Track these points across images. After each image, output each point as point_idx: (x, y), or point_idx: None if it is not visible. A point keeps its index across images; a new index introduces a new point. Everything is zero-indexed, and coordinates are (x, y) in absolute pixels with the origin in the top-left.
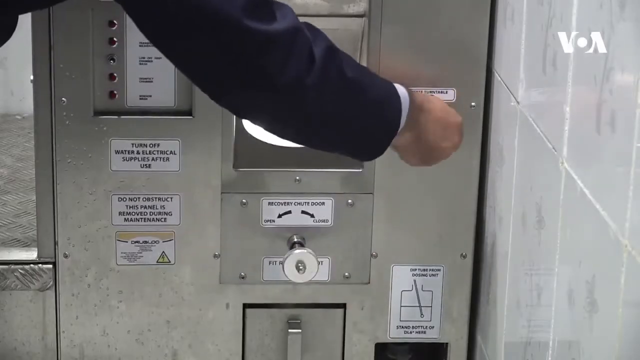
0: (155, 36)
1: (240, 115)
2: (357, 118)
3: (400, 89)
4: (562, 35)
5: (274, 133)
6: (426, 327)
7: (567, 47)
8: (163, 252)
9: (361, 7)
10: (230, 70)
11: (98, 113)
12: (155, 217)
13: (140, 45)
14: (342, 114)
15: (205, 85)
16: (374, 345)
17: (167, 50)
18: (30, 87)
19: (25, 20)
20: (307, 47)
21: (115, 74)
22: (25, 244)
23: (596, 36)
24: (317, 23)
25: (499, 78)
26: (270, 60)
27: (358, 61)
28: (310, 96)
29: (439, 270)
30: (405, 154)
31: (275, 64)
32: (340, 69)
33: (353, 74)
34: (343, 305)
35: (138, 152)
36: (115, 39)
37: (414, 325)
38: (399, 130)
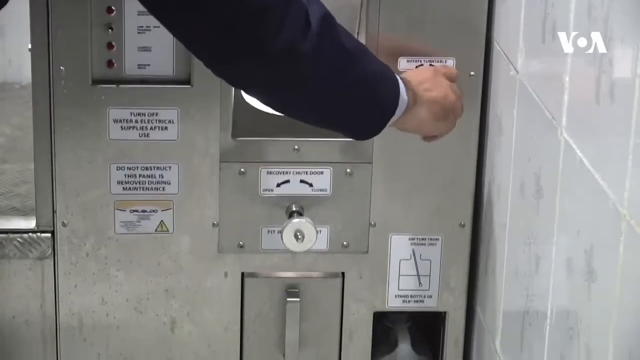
0: (152, 5)
1: (238, 85)
2: (354, 90)
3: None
4: (561, 5)
5: (270, 105)
6: (424, 296)
7: (567, 16)
8: (161, 221)
9: None
10: (225, 38)
11: (96, 82)
12: (153, 186)
13: (138, 14)
14: (338, 85)
15: (201, 55)
16: (372, 314)
17: (163, 19)
18: (28, 56)
19: None
20: (303, 13)
21: (113, 43)
22: (23, 213)
23: (596, 4)
24: None
25: (498, 47)
26: (265, 26)
27: (357, 31)
28: (306, 63)
29: (437, 239)
30: (428, 127)
31: (269, 31)
32: (336, 37)
33: (350, 44)
34: (341, 275)
35: (136, 121)
36: (113, 7)
37: (412, 295)
38: (399, 112)
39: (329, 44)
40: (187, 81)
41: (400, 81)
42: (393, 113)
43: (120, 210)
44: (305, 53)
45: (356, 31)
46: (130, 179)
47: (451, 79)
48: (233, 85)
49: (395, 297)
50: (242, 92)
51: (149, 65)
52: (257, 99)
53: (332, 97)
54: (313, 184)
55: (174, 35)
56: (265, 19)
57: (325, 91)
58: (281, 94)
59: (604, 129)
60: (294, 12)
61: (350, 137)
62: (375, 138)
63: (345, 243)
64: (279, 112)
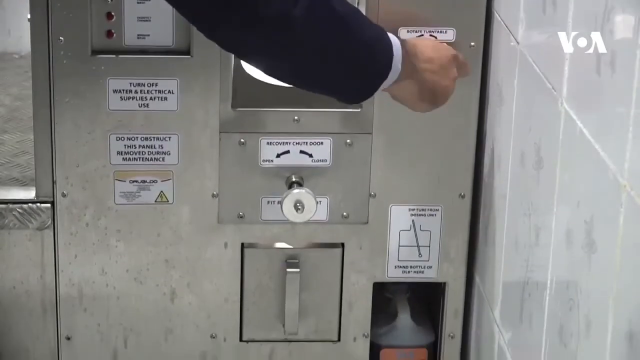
0: None
1: (230, 50)
2: (346, 55)
3: (393, 38)
4: None
5: (263, 70)
6: (424, 266)
7: None
8: (161, 191)
9: None
10: (217, 4)
11: (96, 52)
12: (153, 156)
13: None
14: (330, 48)
15: (194, 20)
16: (372, 285)
17: None
18: (27, 26)
19: None
20: None
21: (112, 13)
22: (23, 183)
23: None
24: None
25: (499, 18)
26: None
27: (357, 1)
28: (297, 28)
29: (437, 210)
30: (411, 102)
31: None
32: (328, 2)
33: (343, 9)
34: (341, 245)
35: (136, 92)
36: None
37: (412, 265)
38: (394, 78)
39: (320, 9)
40: (187, 51)
41: (398, 48)
42: (384, 79)
43: (120, 180)
44: (297, 18)
45: (356, 1)
46: (130, 150)
47: (461, 72)
48: (226, 50)
49: (395, 267)
50: (242, 63)
51: (148, 35)
52: (248, 63)
53: (323, 62)
54: (313, 155)
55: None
56: None
57: (316, 56)
58: (272, 59)
59: (605, 100)
60: None
61: (341, 101)
62: (375, 108)
63: (345, 214)
64: (269, 75)
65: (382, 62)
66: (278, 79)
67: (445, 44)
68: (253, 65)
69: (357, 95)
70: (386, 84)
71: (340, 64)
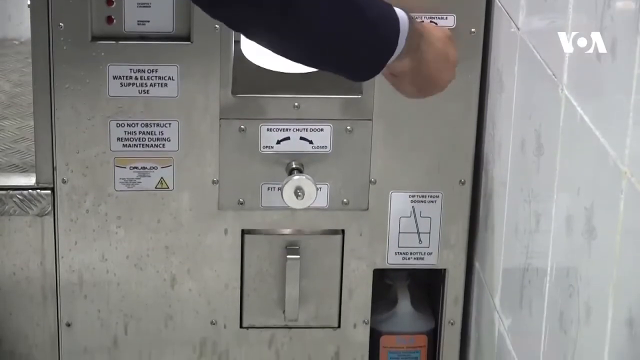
0: None
1: (233, 27)
2: (352, 33)
3: (401, 13)
4: None
5: (269, 48)
6: (424, 253)
7: None
8: (161, 178)
9: None
10: None
11: (96, 38)
12: (153, 143)
13: None
14: (336, 27)
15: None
16: (372, 272)
17: None
18: (27, 12)
19: None
20: None
21: None
22: (23, 170)
23: None
24: None
25: (499, 4)
26: None
27: None
28: (304, 6)
29: (437, 196)
30: (403, 82)
31: None
32: None
33: None
34: (341, 232)
35: (136, 78)
36: None
37: (412, 252)
38: (398, 53)
39: None
40: (187, 37)
41: (405, 24)
42: (391, 55)
43: (120, 167)
44: None
45: None
46: (130, 136)
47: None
48: (232, 28)
49: (395, 254)
50: (242, 49)
51: (148, 21)
52: (256, 42)
53: (330, 39)
54: (313, 141)
55: None
56: None
57: (323, 33)
58: (279, 36)
59: (605, 86)
60: None
61: (348, 78)
62: (376, 95)
63: (345, 200)
64: (276, 53)
65: (389, 38)
66: (284, 56)
67: (423, 21)
68: (259, 42)
69: (365, 72)
70: (391, 60)
71: (348, 40)
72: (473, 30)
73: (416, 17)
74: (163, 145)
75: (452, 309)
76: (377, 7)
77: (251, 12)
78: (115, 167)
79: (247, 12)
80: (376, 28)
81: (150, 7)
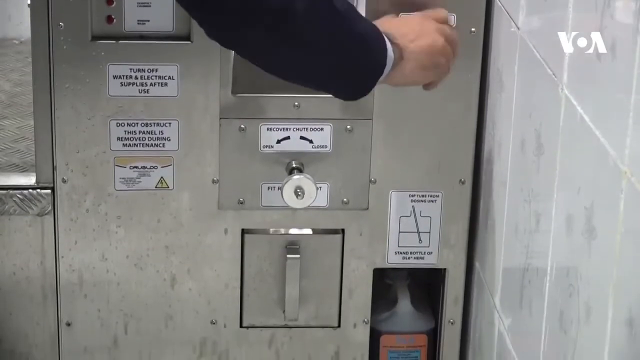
0: None
1: (228, 45)
2: (343, 51)
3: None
4: None
5: (261, 67)
6: (424, 252)
7: None
8: (161, 177)
9: None
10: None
11: (96, 38)
12: (153, 142)
13: None
14: (328, 45)
15: (197, 15)
16: (372, 271)
17: None
18: (27, 12)
19: None
20: None
21: None
22: (23, 169)
23: None
24: None
25: (499, 3)
26: None
27: None
28: (299, 23)
29: (437, 196)
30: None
31: None
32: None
33: (341, 5)
34: (341, 231)
35: (136, 77)
36: None
37: (412, 251)
38: (387, 71)
39: (321, 3)
40: (187, 37)
41: (386, 40)
42: (381, 73)
43: (120, 166)
44: (299, 12)
45: None
46: (130, 136)
47: (440, 20)
48: (224, 46)
49: (395, 253)
50: None
51: (148, 21)
52: (248, 59)
53: (322, 57)
54: (313, 141)
55: None
56: None
57: (315, 51)
58: (272, 54)
59: (605, 86)
60: None
61: (339, 98)
62: (376, 94)
63: (345, 200)
64: (267, 71)
65: (378, 56)
66: (275, 74)
67: (413, 15)
68: (250, 61)
69: (355, 92)
70: (382, 77)
71: (337, 60)
72: (473, 29)
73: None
74: (163, 144)
75: (452, 308)
76: (366, 27)
77: (247, 33)
78: (116, 167)
79: (241, 32)
80: (367, 48)
81: (150, 6)
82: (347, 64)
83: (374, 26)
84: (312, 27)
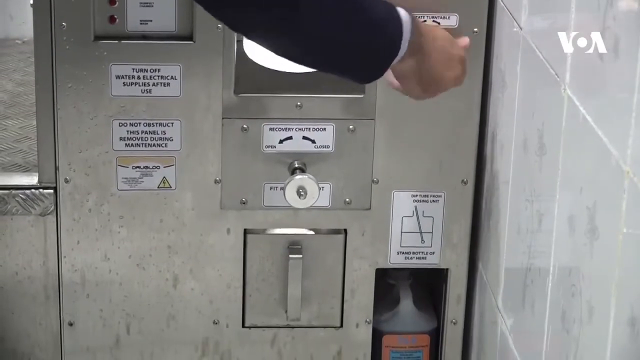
0: None
1: (239, 30)
2: (356, 35)
3: (403, 14)
4: None
5: (274, 50)
6: (427, 252)
7: None
8: (164, 177)
9: None
10: None
11: (98, 38)
12: (156, 142)
13: None
14: (340, 29)
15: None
16: (374, 271)
17: None
18: (30, 11)
19: None
20: None
21: None
22: (26, 169)
23: None
24: None
25: (502, 4)
26: None
27: None
28: (306, 7)
29: (439, 196)
30: (408, 84)
31: None
32: None
33: None
34: (344, 231)
35: (139, 77)
36: None
37: (415, 251)
38: (401, 54)
39: None
40: (190, 37)
41: (408, 24)
42: (394, 57)
43: (123, 166)
44: None
45: None
46: (132, 135)
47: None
48: (234, 30)
49: (398, 253)
50: (244, 48)
51: (151, 21)
52: (259, 44)
53: (334, 40)
54: (315, 141)
55: None
56: None
57: (327, 34)
58: (282, 39)
59: (608, 86)
60: None
61: (352, 80)
62: (378, 94)
63: (347, 200)
64: (280, 55)
65: (393, 40)
66: (289, 58)
67: (425, 20)
68: (262, 44)
69: (368, 74)
70: (395, 61)
71: (351, 43)
72: (476, 29)
73: (418, 17)
74: (165, 144)
75: (454, 308)
76: (380, 9)
77: (256, 14)
78: (118, 167)
79: (252, 13)
80: (380, 30)
81: (152, 6)
82: (359, 48)
83: (390, 6)
84: (324, 10)
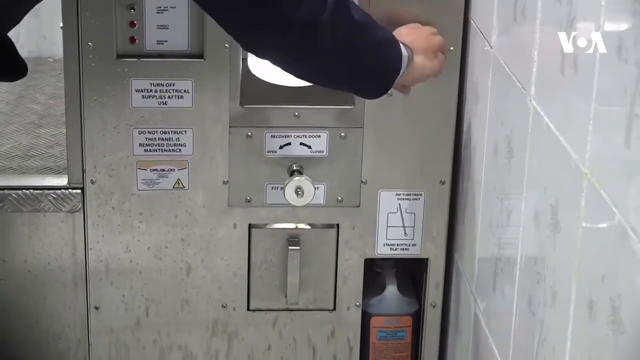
0: None
1: (260, 54)
2: (364, 57)
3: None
4: None
5: (288, 71)
6: (409, 244)
7: None
8: (178, 178)
9: None
10: (253, 12)
11: (120, 56)
12: (171, 148)
13: None
14: (350, 52)
15: (229, 27)
16: (363, 261)
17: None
18: (60, 33)
19: None
20: None
21: (135, 22)
22: (57, 172)
23: None
24: None
25: (475, 25)
26: (288, 2)
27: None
28: (323, 34)
29: (420, 194)
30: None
31: (292, 6)
32: (348, 9)
33: (359, 16)
34: (336, 226)
35: (156, 91)
36: None
37: (399, 243)
38: (402, 70)
39: (343, 16)
40: (201, 55)
41: (399, 41)
42: (399, 71)
43: (142, 169)
44: (323, 25)
45: None
46: (150, 142)
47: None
48: (256, 55)
49: (384, 245)
50: (249, 65)
51: (166, 41)
52: (278, 66)
53: (346, 63)
54: (311, 146)
55: (206, 11)
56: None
57: (339, 58)
58: (299, 62)
59: (568, 97)
60: None
61: (363, 97)
62: (366, 105)
63: (339, 198)
64: (293, 75)
65: (396, 57)
66: (302, 79)
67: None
68: (281, 67)
69: (376, 91)
70: (400, 74)
71: (359, 64)
72: (452, 48)
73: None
74: (180, 150)
75: (433, 293)
76: (383, 34)
77: (279, 40)
78: (138, 170)
79: (275, 41)
80: (384, 51)
81: (168, 28)
82: (368, 68)
83: (388, 31)
84: (334, 39)
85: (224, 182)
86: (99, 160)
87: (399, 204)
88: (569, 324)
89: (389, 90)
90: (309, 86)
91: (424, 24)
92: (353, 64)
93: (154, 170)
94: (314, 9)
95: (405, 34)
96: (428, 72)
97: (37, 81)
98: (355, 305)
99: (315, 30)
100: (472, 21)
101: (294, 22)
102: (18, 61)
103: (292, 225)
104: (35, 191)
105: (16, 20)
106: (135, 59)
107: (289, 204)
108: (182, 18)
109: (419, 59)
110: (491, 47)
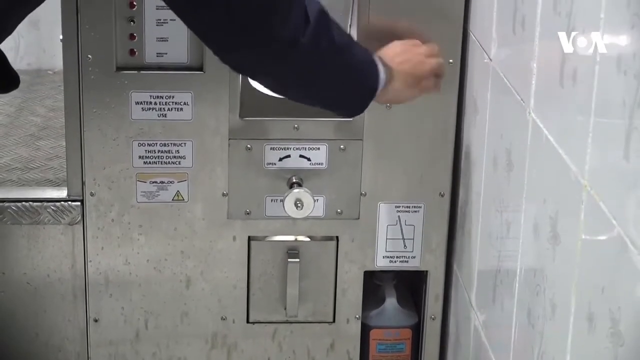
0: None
1: (243, 72)
2: (342, 77)
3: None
4: (530, 0)
5: (271, 89)
6: (409, 257)
7: (535, 11)
8: (178, 191)
9: None
10: (236, 33)
11: (120, 68)
12: (170, 160)
13: (157, 9)
14: (329, 72)
15: (212, 45)
16: (362, 273)
17: (181, 14)
18: (60, 46)
19: None
20: (303, 11)
21: (135, 34)
22: (56, 184)
23: (560, 1)
24: None
25: (474, 37)
26: (271, 23)
27: (349, 23)
28: (304, 54)
29: (420, 207)
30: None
31: (275, 27)
32: (329, 31)
33: (339, 37)
34: (336, 238)
35: (155, 103)
36: (134, 2)
37: (398, 256)
38: (378, 91)
39: (323, 37)
40: (200, 68)
41: (379, 63)
42: (375, 93)
43: (141, 181)
44: (304, 45)
45: (348, 23)
46: (150, 154)
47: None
48: (238, 72)
49: (383, 257)
50: (248, 78)
51: (166, 53)
52: (260, 83)
53: (324, 82)
54: (311, 158)
55: (189, 27)
56: (272, 16)
57: (318, 78)
58: (281, 80)
59: (568, 110)
60: (296, 10)
61: (340, 115)
62: (366, 118)
63: (339, 210)
64: (279, 94)
65: (372, 79)
66: (283, 95)
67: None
68: (262, 84)
69: (352, 110)
70: (375, 96)
71: (338, 84)
72: (451, 60)
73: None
74: (179, 162)
75: (433, 305)
76: (361, 54)
77: (261, 59)
78: (137, 182)
79: (254, 59)
80: (362, 72)
81: (167, 41)
82: (344, 87)
83: (368, 52)
84: (315, 59)
85: (223, 195)
86: (99, 173)
87: (399, 216)
88: (569, 336)
89: (364, 110)
90: None
91: (423, 36)
92: (329, 83)
93: (153, 182)
94: (296, 32)
95: (396, 54)
96: (403, 98)
97: (36, 93)
98: (355, 317)
99: (295, 53)
100: (471, 33)
101: (275, 44)
102: (10, 72)
103: (291, 238)
104: (35, 203)
105: (7, 31)
106: (135, 72)
107: (289, 216)
108: (181, 31)
109: (396, 84)
110: (490, 59)
